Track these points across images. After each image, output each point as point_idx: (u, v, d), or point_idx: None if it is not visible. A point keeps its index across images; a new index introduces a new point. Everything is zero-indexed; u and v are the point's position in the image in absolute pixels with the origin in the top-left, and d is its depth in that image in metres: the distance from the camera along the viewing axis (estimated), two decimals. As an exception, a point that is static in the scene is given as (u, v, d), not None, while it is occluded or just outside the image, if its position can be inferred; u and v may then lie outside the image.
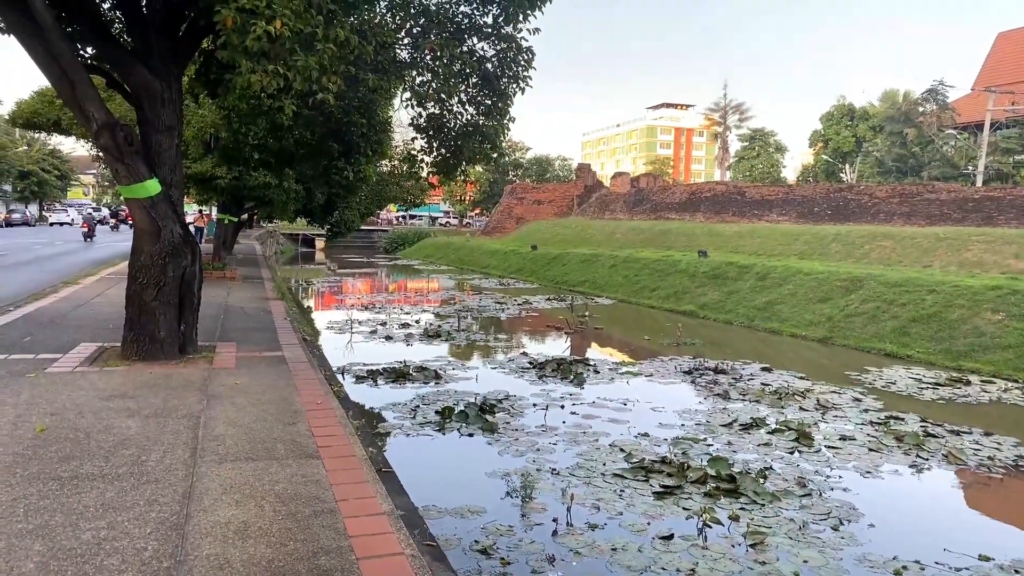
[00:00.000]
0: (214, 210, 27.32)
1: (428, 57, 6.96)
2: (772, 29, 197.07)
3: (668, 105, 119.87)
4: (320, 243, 57.09)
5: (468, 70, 7.15)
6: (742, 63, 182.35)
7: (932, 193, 23.43)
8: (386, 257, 50.25)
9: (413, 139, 8.77)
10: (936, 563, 5.10)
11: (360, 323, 15.73)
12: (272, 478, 4.20)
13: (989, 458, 7.49)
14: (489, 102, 7.82)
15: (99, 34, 7.12)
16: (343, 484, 4.10)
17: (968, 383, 11.04)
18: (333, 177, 14.15)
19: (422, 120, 8.27)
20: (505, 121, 7.94)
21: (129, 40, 7.42)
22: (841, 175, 54.99)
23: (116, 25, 7.90)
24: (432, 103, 7.53)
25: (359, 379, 10.21)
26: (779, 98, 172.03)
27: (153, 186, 6.74)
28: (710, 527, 5.53)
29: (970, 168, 38.31)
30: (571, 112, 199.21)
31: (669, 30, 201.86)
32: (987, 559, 5.18)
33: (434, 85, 7.06)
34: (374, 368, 10.66)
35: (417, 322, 16.19)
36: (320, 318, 17.50)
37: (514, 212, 46.96)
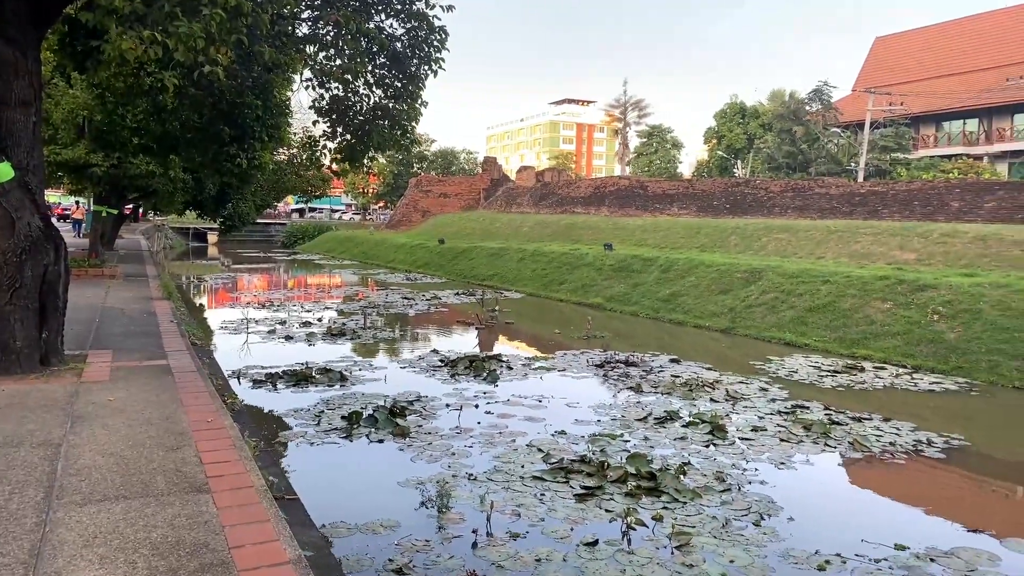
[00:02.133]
0: (90, 201, 25.09)
1: (331, 33, 6.36)
2: (672, 27, 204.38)
3: (570, 101, 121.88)
4: (213, 237, 54.46)
5: (375, 48, 6.58)
6: (641, 60, 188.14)
7: (822, 188, 24.70)
8: (284, 252, 48.29)
9: (315, 123, 8.13)
10: (856, 555, 5.11)
11: (257, 322, 14.76)
12: (148, 522, 3.46)
13: (891, 444, 7.73)
14: (399, 84, 7.27)
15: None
16: (238, 525, 3.44)
17: (862, 370, 11.53)
18: (225, 165, 13.12)
19: (324, 102, 7.62)
20: (417, 105, 7.41)
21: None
22: (734, 170, 57.50)
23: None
24: (335, 83, 6.91)
25: (257, 383, 9.47)
26: (676, 96, 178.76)
27: (5, 171, 5.79)
28: (634, 529, 5.35)
29: (852, 164, 40.92)
30: (475, 105, 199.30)
31: (572, 26, 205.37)
32: (902, 548, 5.24)
33: (337, 63, 6.46)
34: (273, 371, 9.92)
35: (320, 320, 15.39)
36: (213, 317, 16.34)
37: (420, 205, 46.20)
